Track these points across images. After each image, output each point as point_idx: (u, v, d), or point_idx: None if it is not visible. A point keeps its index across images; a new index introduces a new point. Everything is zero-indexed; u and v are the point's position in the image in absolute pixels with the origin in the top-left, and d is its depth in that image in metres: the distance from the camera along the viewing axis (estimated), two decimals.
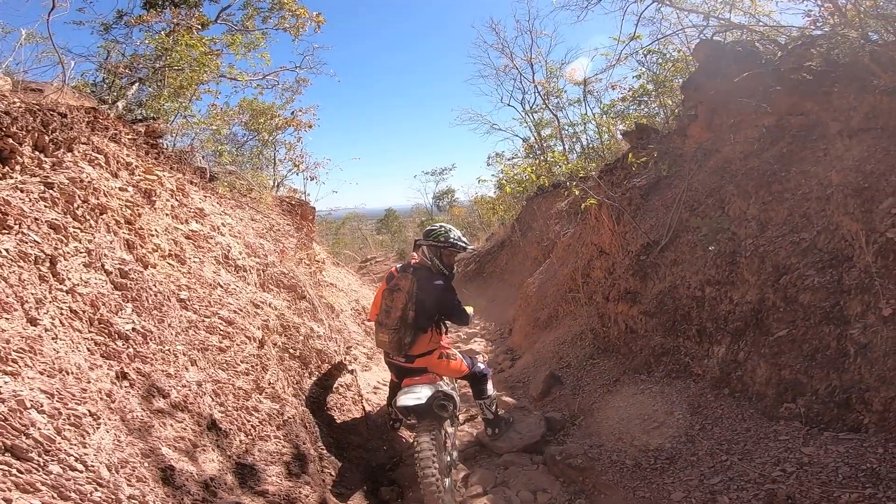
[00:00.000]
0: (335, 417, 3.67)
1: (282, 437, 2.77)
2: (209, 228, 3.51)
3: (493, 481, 3.66)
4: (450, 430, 3.44)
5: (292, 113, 9.98)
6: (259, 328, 3.20)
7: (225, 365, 2.73)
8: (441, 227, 3.55)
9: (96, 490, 1.61)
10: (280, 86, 9.62)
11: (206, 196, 4.09)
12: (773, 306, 3.46)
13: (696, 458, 3.16)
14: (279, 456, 2.69)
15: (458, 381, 4.11)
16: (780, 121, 4.38)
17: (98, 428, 1.74)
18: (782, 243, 3.65)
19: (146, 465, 1.88)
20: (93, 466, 1.63)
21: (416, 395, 3.05)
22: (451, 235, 3.49)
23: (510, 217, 14.01)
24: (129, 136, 3.63)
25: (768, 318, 3.47)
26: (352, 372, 4.31)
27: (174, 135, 5.89)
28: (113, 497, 1.64)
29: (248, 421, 2.62)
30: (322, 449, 3.19)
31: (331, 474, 3.01)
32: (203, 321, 2.79)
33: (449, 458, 3.24)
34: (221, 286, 3.12)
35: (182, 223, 3.31)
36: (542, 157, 13.96)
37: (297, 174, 10.73)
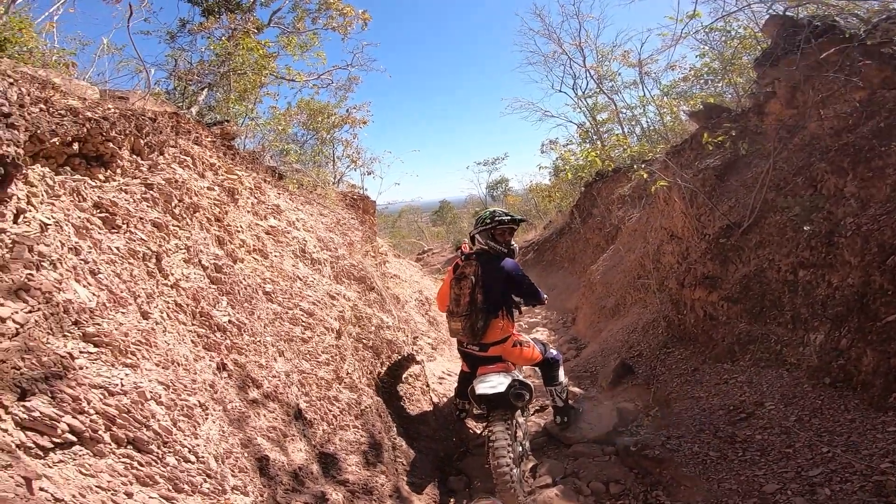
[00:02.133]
0: (405, 407, 3.73)
1: (359, 427, 2.84)
2: (286, 224, 3.63)
3: (562, 472, 3.52)
4: (521, 420, 3.40)
5: (347, 111, 10.20)
6: (336, 319, 3.29)
7: (308, 355, 2.82)
8: (486, 211, 3.61)
9: (206, 481, 1.70)
10: (334, 84, 9.84)
11: (279, 193, 4.23)
12: (881, 289, 3.14)
13: (793, 450, 2.93)
14: (357, 445, 2.76)
15: (527, 368, 4.06)
16: (873, 95, 3.98)
17: (206, 419, 1.84)
18: (888, 221, 3.30)
19: (245, 455, 1.97)
20: (203, 458, 1.72)
21: (493, 384, 3.04)
22: (496, 214, 3.51)
23: (567, 204, 13.65)
24: (209, 139, 3.79)
25: (875, 302, 3.15)
26: (420, 362, 4.36)
27: (244, 136, 6.16)
28: (220, 488, 1.73)
29: (330, 410, 2.70)
30: (395, 438, 3.24)
31: (403, 463, 3.05)
32: (287, 313, 2.89)
33: (521, 448, 3.24)
34: (300, 279, 3.22)
35: (262, 219, 3.44)
36: (599, 142, 13.49)
37: (355, 170, 10.97)
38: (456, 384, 3.90)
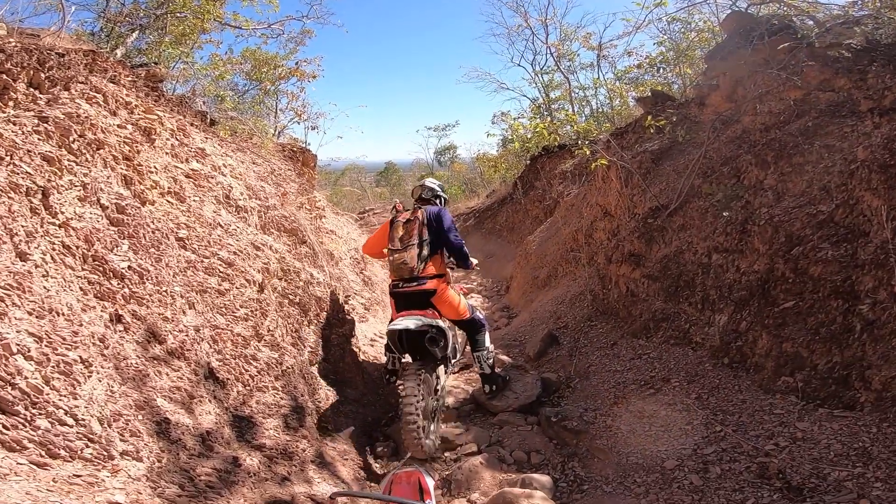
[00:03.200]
0: (332, 369, 3.63)
1: (280, 389, 2.72)
2: (210, 168, 3.31)
3: (487, 440, 3.62)
4: (442, 375, 3.46)
5: (296, 63, 9.53)
6: (259, 271, 3.08)
7: (224, 309, 2.62)
8: (431, 181, 4.16)
9: (88, 446, 1.53)
10: (285, 35, 9.13)
11: (207, 137, 3.86)
12: (782, 277, 3.37)
13: (691, 427, 3.14)
14: (277, 408, 2.64)
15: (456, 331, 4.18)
16: (808, 95, 4.17)
17: (90, 377, 1.65)
18: (798, 214, 3.52)
19: (140, 417, 1.80)
20: (83, 420, 1.54)
21: (410, 321, 3.09)
22: (443, 188, 4.20)
23: (512, 175, 13.73)
24: (130, 79, 3.39)
25: (775, 289, 3.39)
26: (350, 322, 4.25)
27: (175, 81, 5.60)
28: (105, 453, 1.56)
29: (247, 370, 2.55)
30: (319, 402, 3.15)
31: (327, 428, 2.98)
32: (202, 261, 2.66)
33: (435, 403, 3.25)
34: (222, 226, 2.96)
35: (182, 162, 3.12)
36: (549, 117, 13.55)
37: (299, 123, 10.42)
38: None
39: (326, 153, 21.90)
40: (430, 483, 1.57)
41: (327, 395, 3.39)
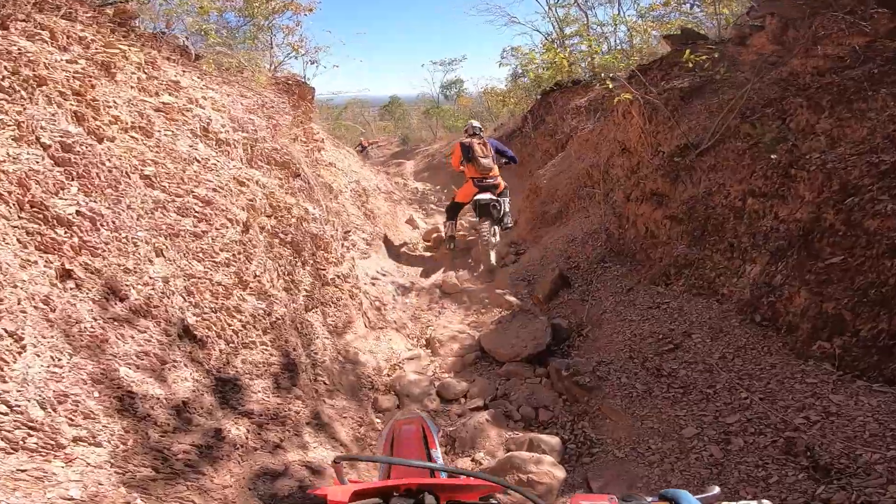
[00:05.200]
0: (330, 314, 3.32)
1: (269, 344, 2.39)
2: (186, 101, 2.79)
3: (493, 393, 3.37)
4: (497, 228, 5.66)
5: None
6: (243, 209, 2.66)
7: (200, 255, 2.24)
8: (474, 123, 6.38)
9: (29, 436, 1.21)
10: None
11: (185, 71, 3.30)
12: (830, 228, 2.92)
13: (713, 392, 2.81)
14: (266, 367, 2.33)
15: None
16: (873, 42, 3.49)
17: (23, 352, 1.29)
18: (857, 162, 2.99)
19: (96, 394, 1.47)
20: (19, 406, 1.21)
21: (488, 196, 5.51)
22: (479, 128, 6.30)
23: (521, 109, 12.86)
24: (89, 15, 2.79)
25: (820, 241, 2.95)
26: (351, 260, 3.89)
27: (154, 20, 4.83)
28: (52, 442, 1.24)
29: (230, 325, 2.21)
30: (315, 354, 2.85)
31: (325, 383, 2.70)
32: (174, 201, 2.24)
33: (495, 240, 5.53)
34: (199, 161, 2.51)
35: (151, 96, 2.60)
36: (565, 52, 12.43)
37: (297, 58, 9.55)
38: (453, 206, 6.19)
39: (327, 87, 20.64)
40: (433, 430, 1.45)
41: (324, 344, 3.10)
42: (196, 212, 2.27)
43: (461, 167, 6.01)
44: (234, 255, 2.37)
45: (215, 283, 2.18)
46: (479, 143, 5.74)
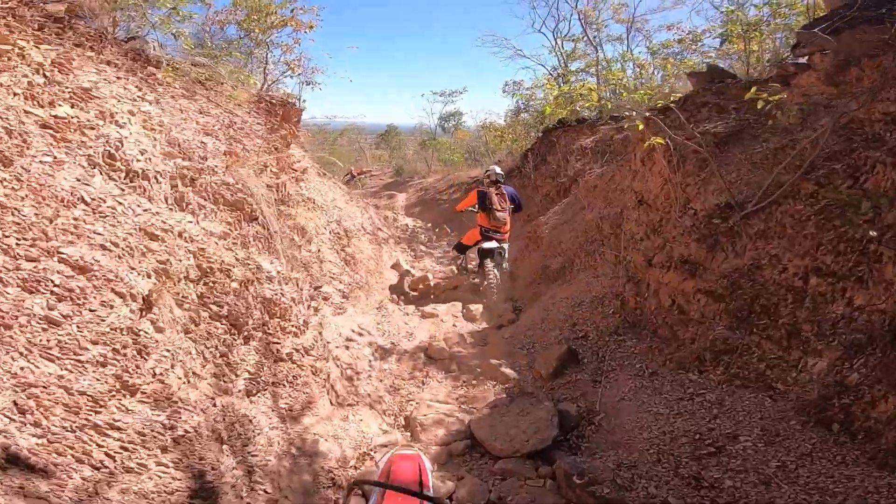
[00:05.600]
0: (283, 396, 2.52)
1: (170, 464, 1.60)
2: (94, 115, 2.08)
3: (485, 496, 2.70)
4: (498, 271, 5.50)
5: (292, 11, 8.06)
6: (148, 275, 1.91)
7: (53, 352, 1.47)
8: (495, 169, 5.94)
9: None
10: None
11: (118, 78, 2.60)
12: None
13: None
14: (164, 496, 1.53)
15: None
16: None
17: None
18: None
19: None
20: None
21: (495, 244, 5.44)
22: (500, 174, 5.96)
23: (520, 147, 12.42)
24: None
25: None
26: (317, 326, 3.12)
27: (128, 22, 4.17)
28: None
29: (101, 446, 1.42)
30: (254, 456, 2.05)
31: (265, 492, 1.90)
32: (18, 268, 1.48)
33: (497, 279, 5.38)
34: (86, 203, 1.77)
35: (40, 106, 1.90)
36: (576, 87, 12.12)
37: (292, 77, 9.07)
38: (460, 246, 6.22)
39: (323, 111, 20.31)
40: (428, 469, 1.51)
41: (270, 439, 2.29)
42: (55, 285, 1.51)
43: (467, 210, 5.97)
44: (115, 349, 1.60)
45: (75, 392, 1.40)
46: (497, 194, 5.58)
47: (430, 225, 10.82)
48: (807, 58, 4.21)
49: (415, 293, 6.25)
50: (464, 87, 18.07)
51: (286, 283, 2.76)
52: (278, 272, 2.69)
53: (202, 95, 3.62)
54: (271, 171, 3.61)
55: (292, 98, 9.75)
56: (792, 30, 5.62)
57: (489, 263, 5.39)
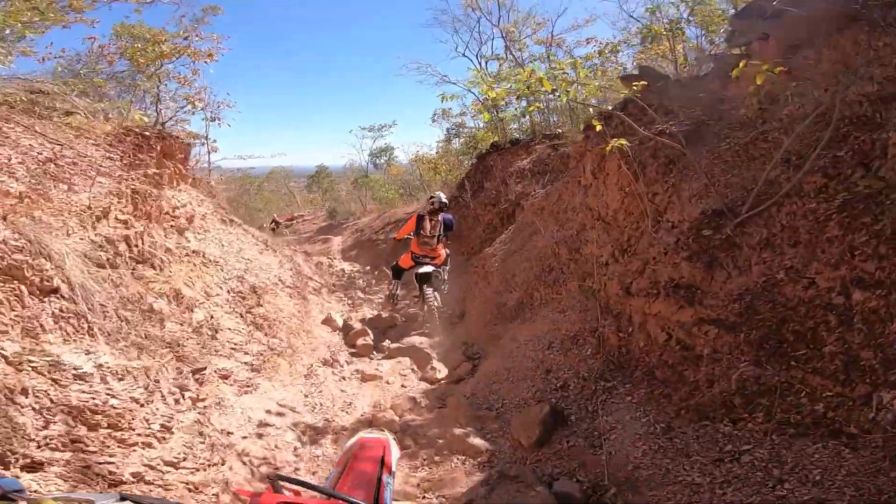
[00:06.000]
0: None
1: None
2: None
3: None
4: (437, 292, 5.54)
5: (186, 38, 7.04)
6: None
7: None
8: (439, 195, 5.81)
9: None
10: (180, 14, 6.80)
11: None
12: None
13: None
14: None
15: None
16: None
17: None
18: None
19: None
20: None
21: (430, 268, 5.39)
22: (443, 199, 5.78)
23: (455, 177, 11.86)
24: None
25: None
26: (196, 422, 2.03)
27: None
28: None
29: None
30: None
31: None
32: None
33: (438, 302, 5.46)
34: None
35: None
36: (494, 113, 11.79)
37: (193, 113, 7.86)
38: (397, 268, 5.86)
39: (235, 150, 18.88)
40: (394, 455, 1.55)
41: None
42: None
43: (405, 235, 5.79)
44: None
45: None
46: (430, 221, 5.46)
47: (368, 268, 9.79)
48: (744, 47, 3.83)
49: (354, 349, 5.20)
50: (393, 121, 17.38)
51: (120, 379, 1.69)
52: (101, 365, 1.63)
53: (23, 125, 2.52)
54: (117, 218, 2.53)
55: (205, 141, 8.56)
56: (707, 27, 5.42)
57: (428, 290, 5.33)
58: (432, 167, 14.00)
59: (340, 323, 5.68)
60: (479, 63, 11.32)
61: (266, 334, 3.99)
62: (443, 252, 5.62)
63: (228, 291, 3.57)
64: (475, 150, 11.10)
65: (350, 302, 7.51)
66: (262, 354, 3.67)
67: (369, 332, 5.43)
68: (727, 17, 4.83)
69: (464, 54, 11.61)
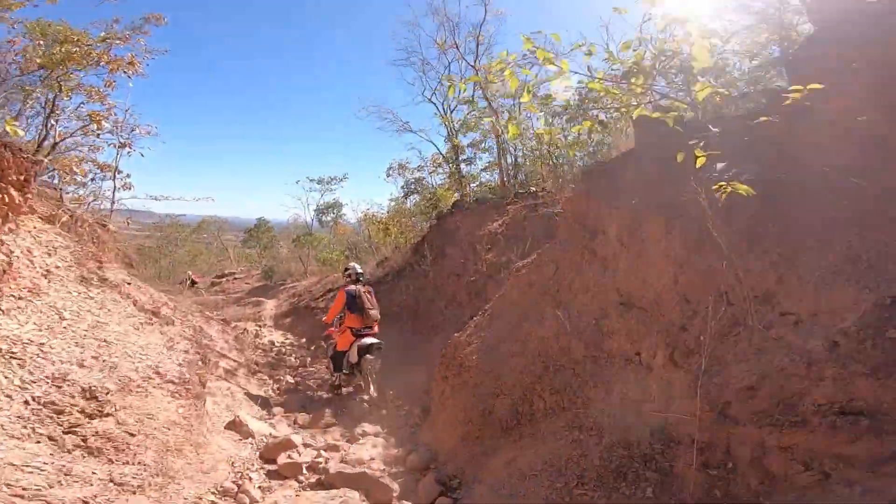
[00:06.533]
0: None
1: None
2: None
3: None
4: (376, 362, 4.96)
5: (106, 41, 5.62)
6: None
7: None
8: (355, 266, 5.54)
9: None
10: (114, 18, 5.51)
11: None
12: None
13: None
14: None
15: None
16: None
17: None
18: None
19: None
20: None
21: (373, 340, 4.91)
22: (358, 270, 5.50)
23: (408, 240, 10.60)
24: None
25: None
26: None
27: None
28: None
29: None
30: None
31: None
32: None
33: (377, 369, 4.93)
34: None
35: None
36: (454, 166, 10.88)
37: (99, 135, 6.18)
38: (337, 357, 5.13)
39: (158, 189, 16.86)
40: None
41: None
42: None
43: (336, 317, 5.35)
44: None
45: None
46: (365, 292, 5.11)
47: (303, 340, 8.02)
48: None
49: (272, 465, 3.51)
50: (344, 174, 15.98)
51: None
52: None
53: None
54: None
55: (116, 174, 6.74)
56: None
57: (369, 357, 4.88)
58: (383, 228, 12.73)
59: (254, 427, 3.93)
60: (444, 109, 10.48)
61: (110, 461, 2.28)
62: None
63: (27, 402, 1.91)
64: (434, 210, 10.00)
65: (276, 387, 5.72)
66: (93, 499, 1.96)
67: (297, 442, 3.74)
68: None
69: (430, 99, 10.77)
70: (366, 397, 4.82)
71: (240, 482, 3.21)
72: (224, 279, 16.69)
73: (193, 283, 12.03)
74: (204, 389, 3.56)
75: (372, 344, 4.84)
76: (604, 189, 3.76)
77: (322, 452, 3.77)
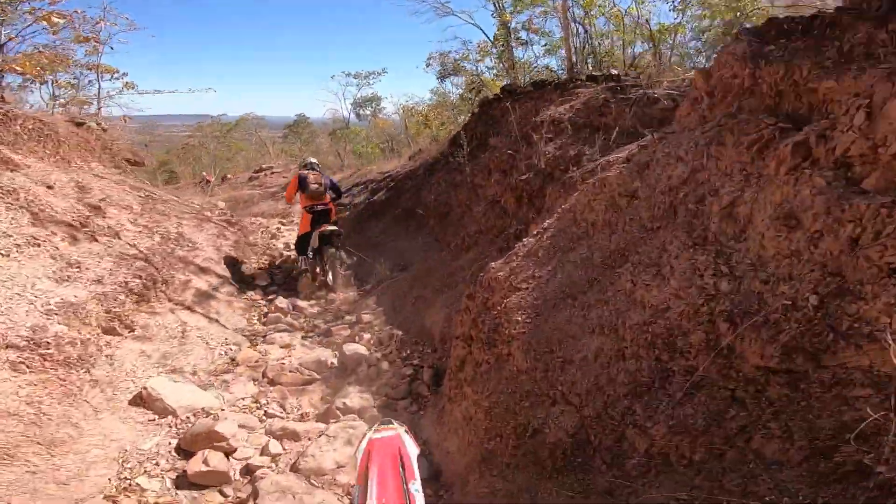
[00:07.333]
0: None
1: None
2: None
3: None
4: (343, 253, 5.13)
5: None
6: None
7: None
8: (310, 159, 5.62)
9: None
10: None
11: None
12: None
13: None
14: None
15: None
16: None
17: None
18: None
19: None
20: None
21: (332, 228, 4.89)
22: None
23: (446, 132, 8.55)
24: None
25: None
26: None
27: None
28: None
29: None
30: None
31: None
32: None
33: (344, 264, 5.12)
34: None
35: None
36: (504, 49, 8.32)
37: (55, 32, 5.21)
38: (300, 242, 5.17)
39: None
40: (412, 453, 1.20)
41: None
42: None
43: (294, 201, 5.53)
44: None
45: None
46: (313, 174, 5.15)
47: None
48: None
49: (189, 471, 2.17)
50: (383, 69, 13.85)
51: None
52: None
53: None
54: None
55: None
56: None
57: (329, 249, 4.90)
58: (423, 119, 10.72)
59: (177, 399, 2.56)
60: None
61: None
62: (333, 206, 5.22)
63: None
64: (478, 95, 7.75)
65: (267, 310, 4.43)
66: None
67: (227, 432, 2.34)
68: None
69: None
70: (321, 279, 4.90)
71: (127, 491, 1.90)
72: (262, 173, 15.70)
73: (208, 182, 11.62)
74: (122, 335, 2.17)
75: (333, 231, 4.88)
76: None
77: (270, 446, 2.37)
